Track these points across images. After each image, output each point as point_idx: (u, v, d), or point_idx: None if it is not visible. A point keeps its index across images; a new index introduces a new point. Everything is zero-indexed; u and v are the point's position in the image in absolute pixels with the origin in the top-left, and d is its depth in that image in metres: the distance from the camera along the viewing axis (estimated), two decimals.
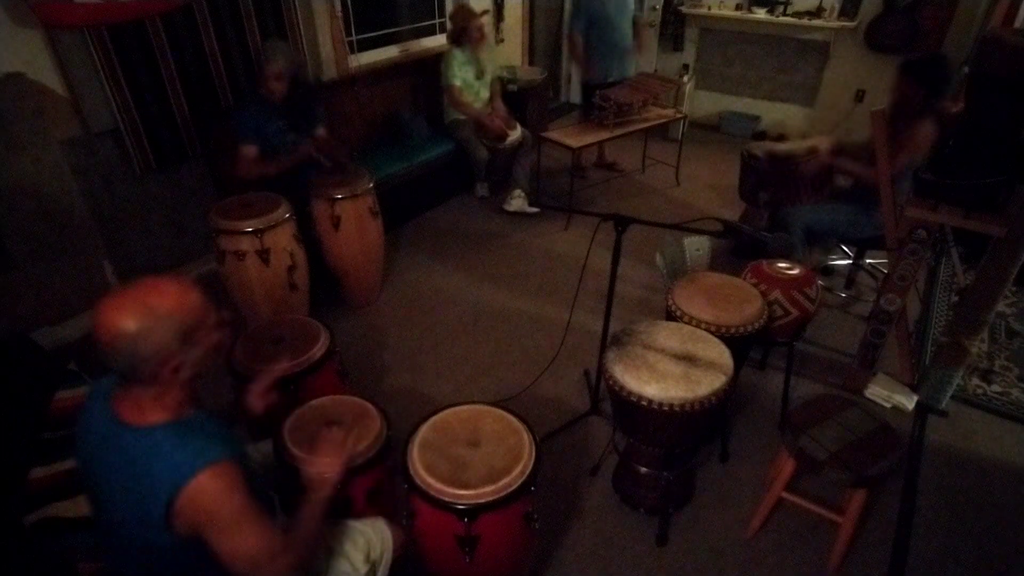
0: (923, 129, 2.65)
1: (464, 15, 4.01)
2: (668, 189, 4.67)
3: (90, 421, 1.21)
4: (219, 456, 1.13)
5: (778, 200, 3.42)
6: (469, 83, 4.12)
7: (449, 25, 4.12)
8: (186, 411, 1.19)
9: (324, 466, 1.45)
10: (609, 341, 2.03)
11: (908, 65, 2.73)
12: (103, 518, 1.25)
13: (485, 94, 4.25)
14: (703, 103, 5.78)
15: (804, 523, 2.13)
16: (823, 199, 3.11)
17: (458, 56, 4.02)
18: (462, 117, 4.15)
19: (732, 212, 4.22)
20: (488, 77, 4.23)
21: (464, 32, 3.98)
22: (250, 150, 2.88)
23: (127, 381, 1.15)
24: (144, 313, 1.09)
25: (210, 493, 1.10)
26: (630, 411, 1.88)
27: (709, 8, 5.37)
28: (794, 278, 2.32)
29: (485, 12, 4.30)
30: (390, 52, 4.26)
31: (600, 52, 4.37)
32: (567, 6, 5.77)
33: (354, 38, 3.96)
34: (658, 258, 3.40)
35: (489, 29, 4.87)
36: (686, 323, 2.11)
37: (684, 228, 2.19)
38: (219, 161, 3.26)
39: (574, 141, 3.95)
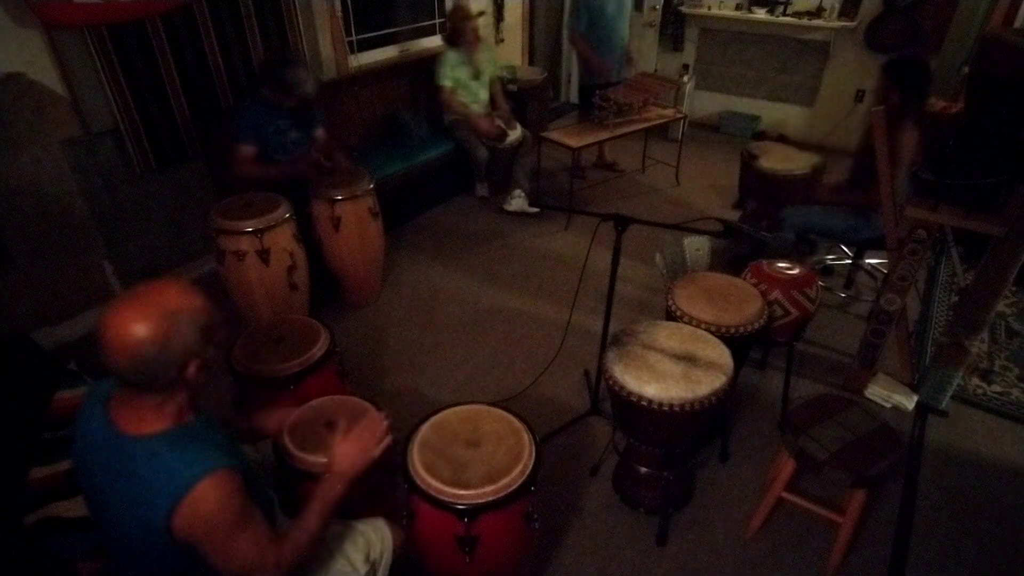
0: (902, 137, 2.60)
1: (459, 16, 4.01)
2: (668, 189, 4.67)
3: (88, 427, 1.20)
4: (219, 465, 1.12)
5: (762, 212, 3.46)
6: (464, 84, 4.11)
7: (446, 25, 4.12)
8: (186, 417, 1.18)
9: (346, 457, 1.41)
10: (609, 341, 2.03)
11: (887, 66, 2.72)
12: (102, 521, 1.25)
13: (484, 95, 4.24)
14: (703, 103, 5.78)
15: (804, 523, 2.13)
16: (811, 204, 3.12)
17: (452, 57, 4.03)
18: (462, 117, 4.15)
19: (732, 212, 4.23)
20: (485, 78, 4.22)
21: (459, 33, 3.99)
22: (247, 150, 2.88)
23: (140, 391, 1.11)
24: (165, 316, 1.07)
25: (209, 502, 1.10)
26: (630, 411, 1.88)
27: (709, 8, 5.37)
28: (794, 278, 2.32)
29: (481, 13, 4.28)
30: (390, 52, 4.26)
31: (601, 52, 4.37)
32: (567, 6, 5.78)
33: (354, 38, 3.96)
34: (658, 258, 3.40)
35: (489, 29, 4.87)
36: (686, 323, 2.11)
37: (684, 228, 2.20)
38: (219, 161, 3.26)
39: (574, 141, 3.95)
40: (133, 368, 1.06)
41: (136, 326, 1.04)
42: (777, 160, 3.45)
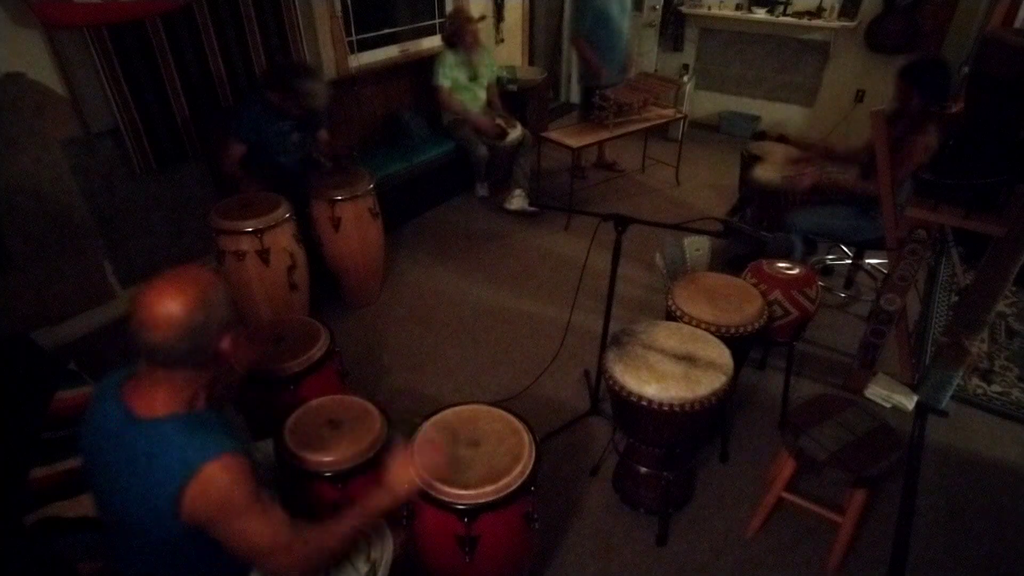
0: (921, 141, 2.57)
1: (459, 18, 4.02)
2: (668, 189, 4.67)
3: (99, 418, 1.21)
4: (228, 448, 1.14)
5: (762, 218, 3.45)
6: (462, 86, 4.12)
7: (446, 26, 4.13)
8: (198, 405, 1.20)
9: (403, 479, 1.42)
10: (609, 341, 2.03)
11: (906, 70, 2.66)
12: (108, 515, 1.25)
13: (481, 97, 4.26)
14: (703, 103, 5.78)
15: (804, 523, 2.13)
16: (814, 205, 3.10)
17: (450, 58, 4.03)
18: (461, 116, 4.16)
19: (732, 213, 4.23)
20: (483, 81, 4.23)
21: (458, 35, 4.00)
22: (238, 148, 2.88)
23: (171, 369, 1.14)
24: (204, 287, 1.15)
25: (220, 483, 1.12)
26: (630, 411, 1.88)
27: (709, 8, 5.37)
28: (794, 278, 2.32)
29: (483, 17, 4.30)
30: (390, 52, 4.26)
31: (604, 53, 4.36)
32: (567, 7, 5.77)
33: (354, 38, 3.96)
34: (658, 258, 3.40)
35: (489, 30, 4.87)
36: (686, 323, 2.11)
37: (684, 228, 2.20)
38: (219, 161, 3.26)
39: (574, 141, 3.95)
40: (180, 339, 1.11)
41: (183, 298, 1.12)
42: (773, 168, 3.39)
